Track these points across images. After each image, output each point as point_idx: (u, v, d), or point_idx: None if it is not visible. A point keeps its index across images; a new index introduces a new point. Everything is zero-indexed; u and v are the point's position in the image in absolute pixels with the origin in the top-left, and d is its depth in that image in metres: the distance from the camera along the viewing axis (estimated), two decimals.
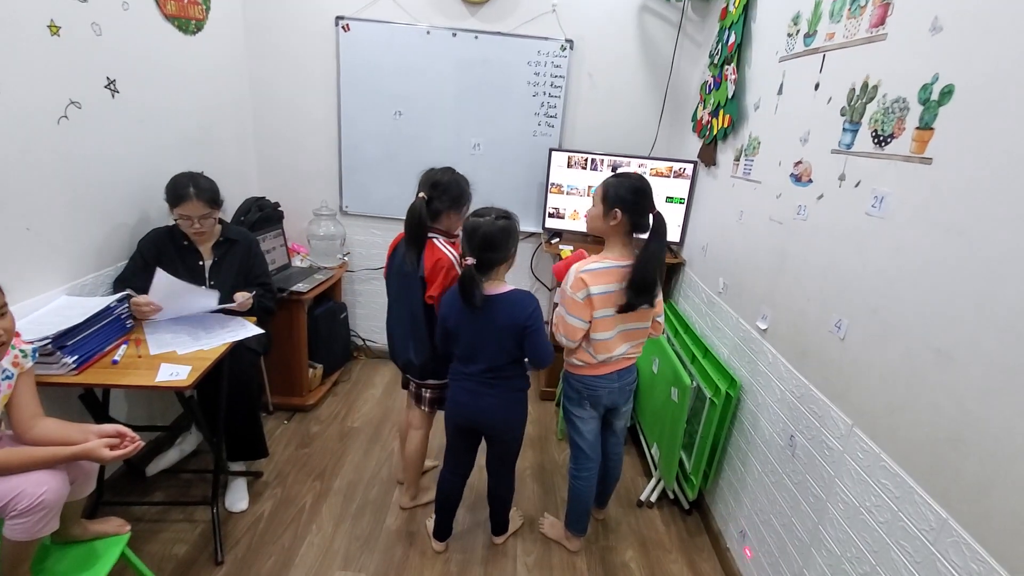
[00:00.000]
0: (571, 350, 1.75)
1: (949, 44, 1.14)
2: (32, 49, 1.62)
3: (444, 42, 2.78)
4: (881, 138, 1.34)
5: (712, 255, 2.39)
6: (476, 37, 2.77)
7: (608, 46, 2.78)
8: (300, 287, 2.59)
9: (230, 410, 1.99)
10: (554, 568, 1.96)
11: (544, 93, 2.84)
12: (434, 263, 1.74)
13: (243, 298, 1.97)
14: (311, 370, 2.79)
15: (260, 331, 1.93)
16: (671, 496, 2.30)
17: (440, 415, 1.95)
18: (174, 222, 1.99)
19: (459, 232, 1.75)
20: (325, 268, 2.90)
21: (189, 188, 1.91)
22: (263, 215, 2.71)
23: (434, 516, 1.98)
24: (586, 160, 2.75)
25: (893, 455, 1.21)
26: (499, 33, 2.76)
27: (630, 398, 1.88)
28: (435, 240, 1.78)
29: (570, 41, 2.76)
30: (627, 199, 1.63)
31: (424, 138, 2.95)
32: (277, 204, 2.85)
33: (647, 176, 2.66)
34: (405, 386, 2.11)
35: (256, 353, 2.23)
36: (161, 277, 1.78)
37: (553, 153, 2.76)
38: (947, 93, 1.14)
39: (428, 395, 1.99)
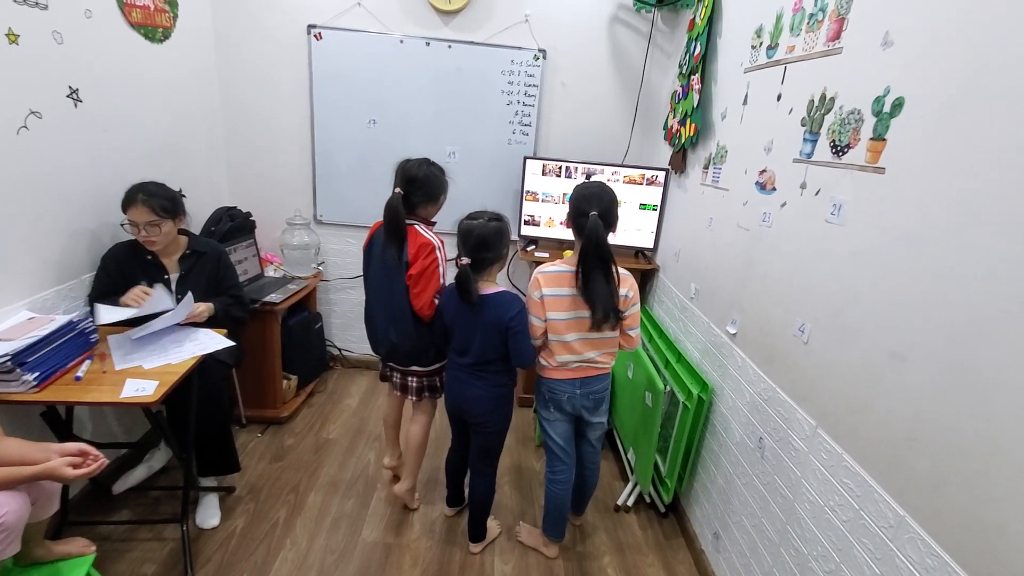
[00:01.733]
0: (539, 350, 1.79)
1: (900, 58, 1.19)
2: None
3: (418, 51, 2.79)
4: (838, 148, 1.38)
5: (684, 261, 2.43)
6: (450, 46, 2.78)
7: (580, 55, 2.82)
8: (273, 297, 2.55)
9: (200, 425, 1.95)
10: (532, 575, 1.96)
11: (518, 102, 2.87)
12: (418, 247, 1.82)
13: (198, 309, 1.91)
14: (285, 381, 2.75)
15: (230, 343, 1.90)
16: (647, 500, 2.32)
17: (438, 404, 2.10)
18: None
19: (436, 220, 1.96)
20: (299, 278, 2.87)
21: (137, 193, 1.86)
22: (235, 225, 2.67)
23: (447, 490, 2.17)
24: (560, 168, 2.77)
25: (854, 455, 1.25)
26: (473, 43, 2.78)
27: (599, 408, 1.87)
28: (416, 227, 1.86)
29: (543, 51, 2.79)
30: (571, 205, 1.70)
31: (399, 146, 2.94)
32: (249, 214, 2.81)
33: (619, 184, 2.72)
34: (385, 378, 2.13)
35: (227, 365, 2.19)
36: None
37: (528, 161, 2.78)
38: (898, 105, 1.18)
39: (414, 383, 2.03)
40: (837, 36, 1.42)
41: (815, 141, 1.49)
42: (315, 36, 2.76)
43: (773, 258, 1.67)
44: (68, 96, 1.88)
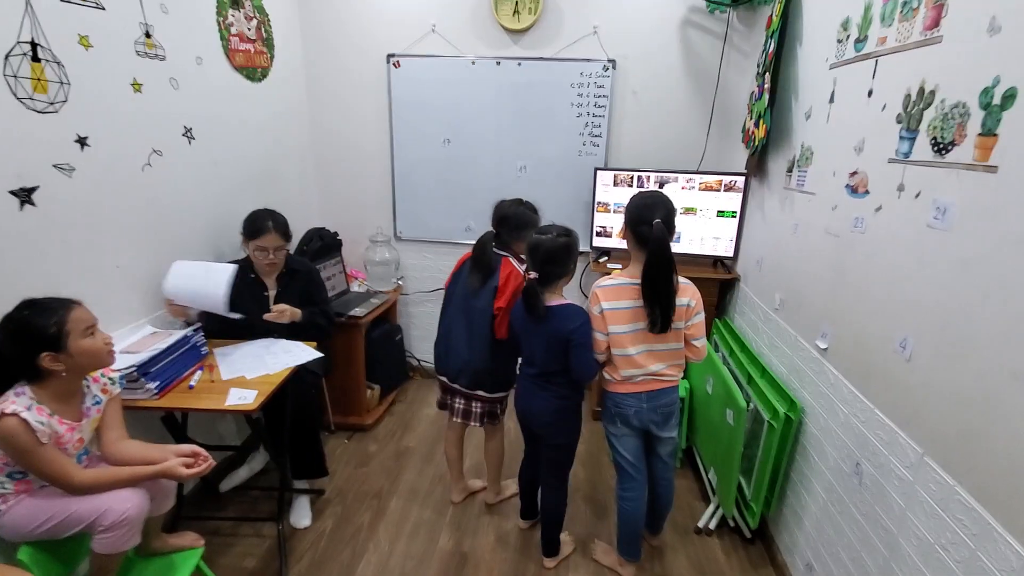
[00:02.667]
0: (603, 364, 1.78)
1: (1009, 44, 1.07)
2: (119, 106, 1.83)
3: (489, 71, 2.87)
4: (941, 146, 1.26)
5: (767, 270, 2.30)
6: (519, 64, 2.83)
7: (651, 63, 2.77)
8: (357, 311, 2.71)
9: (293, 430, 2.10)
10: None
11: (588, 113, 2.86)
12: (508, 275, 1.92)
13: (281, 308, 2.08)
14: (369, 391, 2.90)
15: (319, 355, 2.04)
16: (731, 524, 2.19)
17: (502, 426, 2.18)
18: (246, 255, 2.15)
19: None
20: (381, 292, 3.02)
21: (268, 222, 2.09)
22: (324, 244, 2.88)
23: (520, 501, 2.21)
24: (632, 178, 2.73)
25: (969, 488, 1.11)
26: (542, 58, 2.81)
27: (668, 423, 1.81)
28: (510, 258, 1.97)
29: (612, 61, 2.77)
30: (629, 215, 1.68)
31: (472, 163, 3.03)
32: (336, 233, 3.02)
33: (695, 191, 2.63)
34: (443, 406, 2.18)
35: (317, 375, 2.35)
36: (178, 266, 1.98)
37: (599, 172, 2.76)
38: (1010, 97, 1.06)
39: (478, 408, 2.07)
40: (936, 24, 1.30)
41: (913, 139, 1.36)
42: (394, 64, 2.92)
43: (868, 267, 1.54)
44: (183, 135, 2.13)
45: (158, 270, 2.03)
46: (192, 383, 1.82)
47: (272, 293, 2.21)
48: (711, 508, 2.25)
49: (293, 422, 2.09)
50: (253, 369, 1.91)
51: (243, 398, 1.75)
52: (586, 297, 1.79)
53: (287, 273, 2.24)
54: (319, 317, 2.27)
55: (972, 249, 1.15)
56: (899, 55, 1.45)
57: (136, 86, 1.90)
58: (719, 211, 2.64)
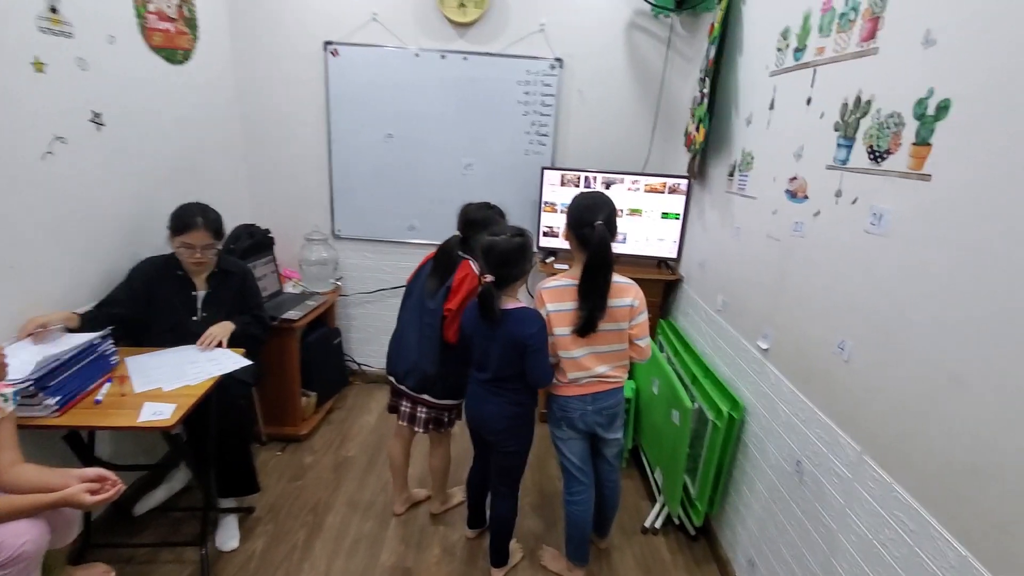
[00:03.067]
0: (554, 368, 1.75)
1: (943, 57, 1.11)
2: (16, 87, 1.61)
3: (433, 64, 2.77)
4: (877, 154, 1.30)
5: (710, 272, 2.34)
6: (465, 58, 2.76)
7: (598, 63, 2.77)
8: (292, 314, 2.54)
9: (220, 445, 1.94)
10: None
11: (535, 112, 2.83)
12: (463, 277, 1.84)
13: (211, 335, 1.94)
14: (304, 398, 2.73)
15: (248, 362, 1.88)
16: (676, 522, 2.22)
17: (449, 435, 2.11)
18: (173, 251, 1.96)
19: None
20: (318, 293, 2.86)
21: (197, 217, 1.92)
22: (254, 242, 2.68)
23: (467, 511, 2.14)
24: (579, 178, 2.72)
25: (907, 486, 1.15)
26: (488, 53, 2.75)
27: (613, 424, 1.81)
28: (470, 261, 1.89)
29: (559, 59, 2.75)
30: (571, 216, 1.68)
31: (416, 160, 2.92)
32: (268, 230, 2.82)
33: (640, 192, 2.65)
34: (393, 409, 2.08)
35: (247, 384, 2.18)
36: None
37: (546, 171, 2.73)
38: (944, 107, 1.10)
39: (423, 414, 1.99)
40: (872, 36, 1.34)
41: (850, 147, 1.41)
42: (331, 52, 2.76)
43: (808, 270, 1.58)
44: (91, 120, 1.90)
45: (60, 270, 1.80)
46: (99, 397, 1.63)
47: (201, 294, 2.03)
48: (657, 507, 2.27)
49: (219, 436, 1.92)
50: (171, 380, 1.73)
51: (159, 413, 1.58)
52: (532, 298, 1.76)
53: (219, 274, 2.07)
54: (254, 327, 2.11)
55: (908, 254, 1.19)
56: (837, 65, 1.49)
57: (38, 65, 1.67)
58: (663, 213, 2.68)
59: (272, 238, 2.84)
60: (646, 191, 2.66)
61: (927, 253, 1.14)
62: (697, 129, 2.33)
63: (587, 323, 1.62)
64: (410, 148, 2.90)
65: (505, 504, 1.89)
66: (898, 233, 1.23)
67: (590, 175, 2.71)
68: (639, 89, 2.81)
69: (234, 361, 1.87)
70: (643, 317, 1.72)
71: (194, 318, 2.00)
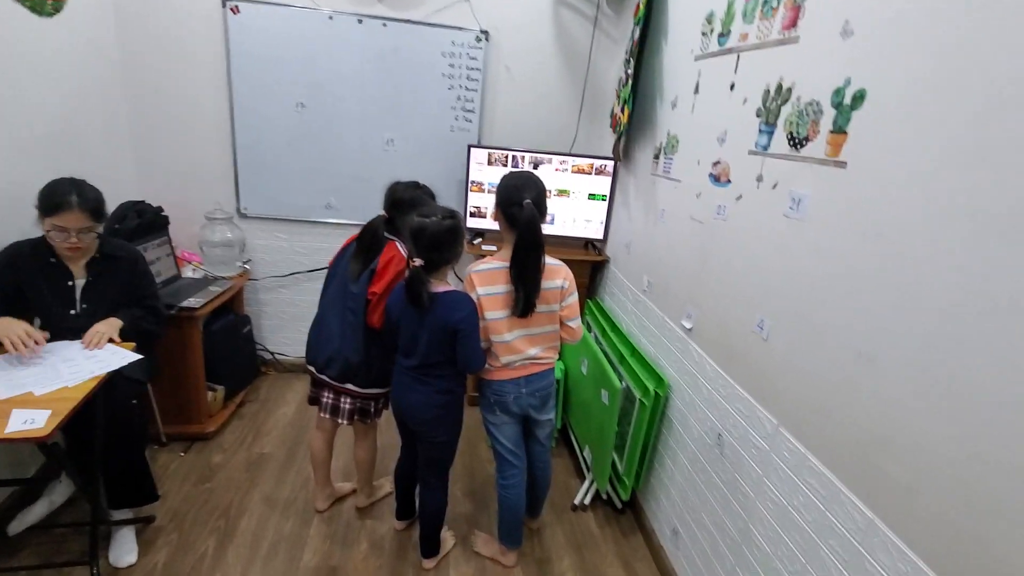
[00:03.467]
0: (486, 353, 1.71)
1: (860, 48, 1.16)
2: None
3: (349, 29, 2.56)
4: (796, 140, 1.35)
5: (636, 253, 2.39)
6: (385, 24, 2.58)
7: (525, 39, 2.70)
8: (192, 302, 2.29)
9: (108, 452, 1.72)
10: None
11: (461, 86, 2.71)
12: (389, 259, 1.74)
13: (96, 334, 1.70)
14: (210, 393, 2.50)
15: (137, 356, 1.67)
16: (604, 497, 2.28)
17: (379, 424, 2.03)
18: (43, 234, 1.67)
19: None
20: (222, 278, 2.60)
21: (71, 196, 1.62)
22: (143, 221, 2.37)
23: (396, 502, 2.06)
24: (506, 157, 2.65)
25: (819, 455, 1.23)
26: (410, 21, 2.58)
27: (546, 406, 1.81)
28: (396, 243, 1.79)
29: (485, 32, 2.64)
30: (500, 196, 1.64)
31: (332, 133, 2.72)
32: (160, 208, 2.51)
33: (567, 173, 2.64)
34: (314, 401, 1.95)
35: (139, 383, 1.94)
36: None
37: (472, 150, 2.64)
38: (860, 97, 1.15)
39: (347, 405, 1.88)
40: (793, 24, 1.38)
41: (771, 133, 1.45)
42: (231, 9, 2.47)
43: (729, 252, 1.64)
44: None
45: None
46: None
47: (80, 283, 1.76)
48: (586, 484, 2.32)
49: (107, 441, 1.69)
50: (44, 383, 1.49)
51: (30, 421, 1.36)
52: (461, 280, 1.70)
53: (102, 259, 1.79)
54: (146, 321, 1.87)
55: (823, 238, 1.25)
56: (759, 52, 1.53)
57: None
58: (590, 194, 2.69)
59: (166, 217, 2.54)
60: (573, 172, 2.66)
61: (840, 237, 1.20)
62: (622, 111, 2.34)
63: (526, 305, 1.59)
64: (325, 120, 2.69)
65: (435, 495, 1.83)
66: (814, 217, 1.29)
67: (518, 154, 2.65)
68: (566, 68, 2.78)
69: (121, 357, 1.65)
70: (573, 298, 1.71)
71: (72, 312, 1.74)
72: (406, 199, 1.79)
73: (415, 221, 1.55)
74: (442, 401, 1.69)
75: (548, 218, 2.68)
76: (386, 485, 2.22)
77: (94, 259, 1.79)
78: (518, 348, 1.67)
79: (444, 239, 1.55)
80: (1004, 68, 0.86)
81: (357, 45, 2.59)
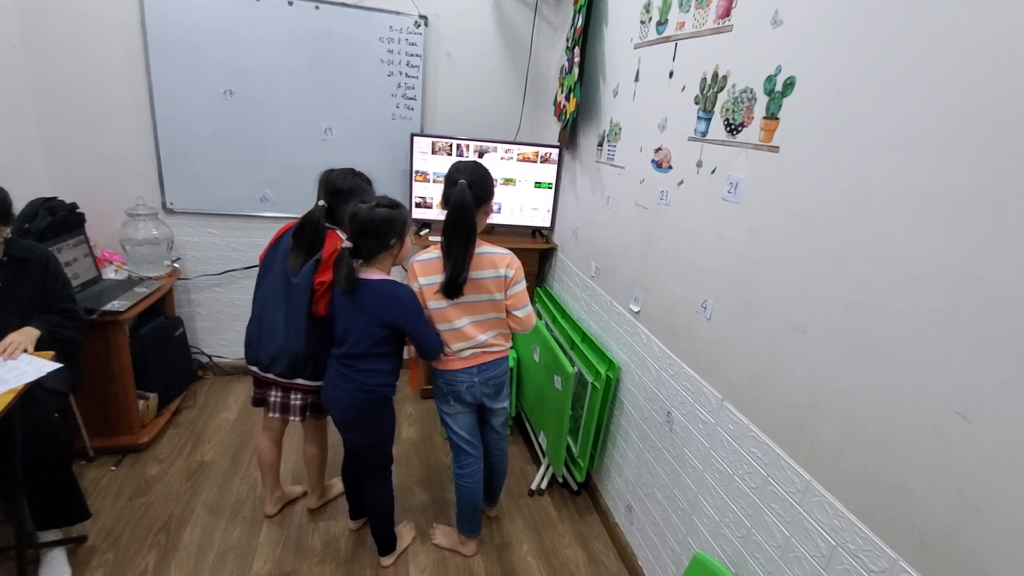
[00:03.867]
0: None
1: (790, 36, 1.21)
2: None
3: (278, 10, 2.43)
4: (733, 127, 1.40)
5: (583, 239, 2.43)
6: (317, 7, 2.46)
7: (465, 25, 2.66)
8: (115, 305, 2.13)
9: (31, 470, 1.58)
10: None
11: (401, 73, 2.64)
12: (334, 249, 1.67)
13: (11, 343, 1.56)
14: (142, 402, 2.34)
15: (56, 366, 1.54)
16: (560, 480, 2.33)
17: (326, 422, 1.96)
18: None
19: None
20: (149, 279, 2.43)
21: None
22: (56, 220, 2.17)
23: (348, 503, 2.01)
24: (451, 146, 2.62)
25: (760, 425, 1.30)
26: (344, 4, 2.49)
27: (500, 394, 1.80)
28: (337, 231, 1.74)
29: (424, 17, 2.58)
30: (444, 182, 1.63)
31: (264, 121, 2.58)
32: (75, 205, 2.31)
33: (513, 161, 2.63)
34: (259, 402, 1.88)
35: (60, 394, 1.80)
36: None
37: (415, 138, 2.59)
38: (790, 84, 1.21)
39: (297, 401, 1.83)
40: (727, 13, 1.43)
41: (709, 119, 1.51)
42: None
43: (673, 236, 1.69)
44: None
45: None
46: None
47: None
48: (542, 469, 2.36)
49: (28, 459, 1.56)
50: None
51: None
52: (405, 271, 1.68)
53: (10, 263, 1.64)
54: (64, 327, 1.72)
55: (759, 220, 1.32)
56: (696, 40, 1.58)
57: None
58: (536, 182, 2.70)
59: (81, 214, 2.33)
60: (519, 160, 2.66)
61: (773, 218, 1.26)
62: (568, 98, 2.36)
63: (448, 283, 1.57)
64: (256, 108, 2.55)
65: (376, 495, 1.79)
66: (750, 200, 1.35)
67: (462, 143, 2.62)
68: (508, 55, 2.76)
69: (37, 367, 1.52)
70: (519, 287, 1.67)
71: None
72: (344, 188, 1.74)
73: (352, 206, 1.53)
74: (360, 400, 1.62)
75: (494, 207, 2.68)
76: (338, 484, 2.16)
77: (1, 263, 1.62)
78: (468, 335, 1.66)
79: (374, 227, 1.52)
80: (922, 57, 0.93)
81: (287, 28, 2.47)
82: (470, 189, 1.54)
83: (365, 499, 1.82)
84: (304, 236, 1.70)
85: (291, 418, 1.84)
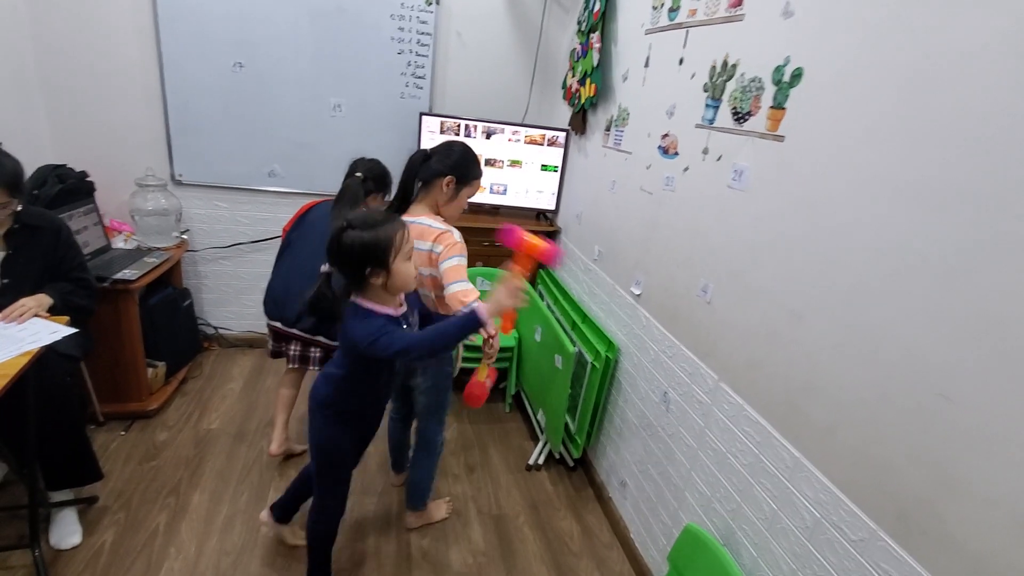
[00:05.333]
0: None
1: (800, 29, 1.24)
2: None
3: None
4: (740, 115, 1.43)
5: (587, 223, 2.46)
6: None
7: (477, 4, 2.65)
8: (126, 274, 2.16)
9: (44, 431, 1.63)
10: (450, 543, 1.95)
11: (411, 51, 2.64)
12: None
13: (21, 307, 1.58)
14: (151, 370, 2.39)
15: (72, 330, 1.58)
16: (557, 456, 2.40)
17: None
18: None
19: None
20: (158, 249, 2.46)
21: None
22: (65, 187, 2.20)
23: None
24: (459, 126, 2.63)
25: (755, 405, 1.36)
26: None
27: (411, 376, 1.75)
28: (379, 197, 1.99)
29: None
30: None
31: (273, 95, 2.59)
32: (84, 173, 2.33)
33: (520, 144, 2.66)
34: (278, 354, 2.09)
35: (73, 359, 1.84)
36: None
37: (424, 117, 2.60)
38: (797, 76, 1.24)
39: (317, 354, 2.05)
40: (739, 3, 1.45)
41: (717, 107, 1.54)
42: None
43: (676, 221, 1.73)
44: None
45: None
46: None
47: None
48: (539, 446, 2.42)
49: (43, 421, 1.61)
50: None
51: None
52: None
53: (22, 230, 1.66)
54: (77, 296, 1.76)
55: (762, 207, 1.36)
56: (707, 28, 1.60)
57: None
58: (543, 165, 2.73)
59: (91, 183, 2.36)
60: (526, 143, 2.68)
61: (776, 206, 1.30)
62: (583, 83, 2.37)
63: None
64: (266, 82, 2.56)
65: (315, 512, 1.55)
66: (754, 188, 1.39)
67: (471, 123, 2.64)
68: (518, 36, 2.76)
69: (52, 331, 1.56)
70: (446, 264, 1.48)
71: None
72: (380, 172, 1.99)
73: (335, 225, 1.31)
74: (319, 394, 1.42)
75: (499, 188, 2.71)
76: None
77: (12, 230, 1.65)
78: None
79: (343, 253, 1.24)
80: (925, 57, 0.96)
81: (298, 3, 2.46)
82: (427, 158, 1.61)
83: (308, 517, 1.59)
84: (344, 199, 1.85)
85: (310, 368, 2.03)
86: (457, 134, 2.63)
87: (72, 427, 1.76)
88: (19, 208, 1.63)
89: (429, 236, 1.54)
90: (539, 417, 2.47)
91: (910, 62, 0.98)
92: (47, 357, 1.54)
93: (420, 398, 1.77)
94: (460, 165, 1.60)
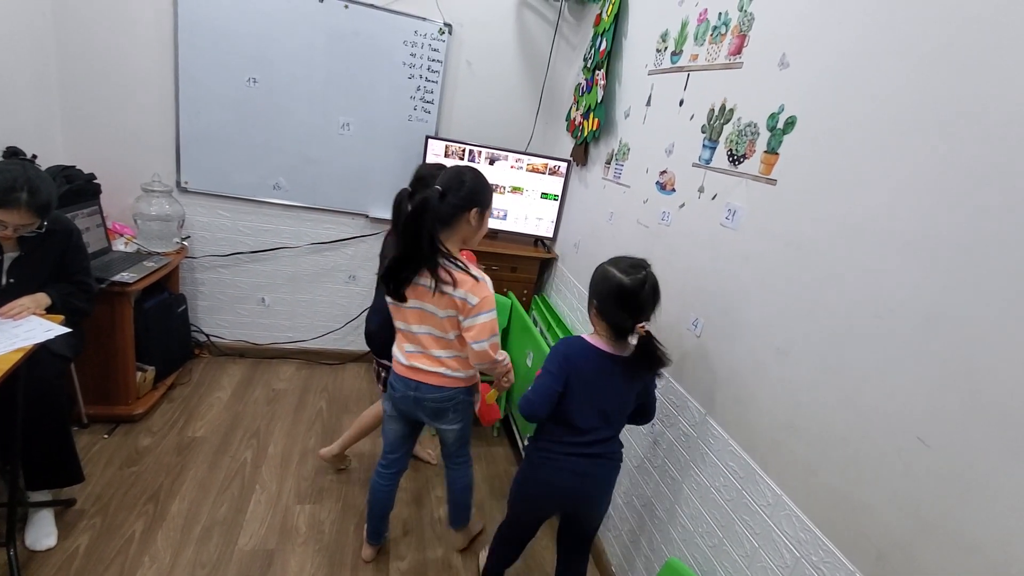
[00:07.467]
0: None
1: (794, 79, 1.30)
2: None
3: (309, 7, 2.51)
4: (735, 157, 1.49)
5: (584, 252, 2.50)
6: (347, 6, 2.54)
7: (487, 36, 2.75)
8: (124, 277, 2.18)
9: (30, 430, 1.62)
10: (428, 571, 1.92)
11: (421, 76, 2.72)
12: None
13: (20, 305, 1.60)
14: (139, 373, 2.38)
15: (65, 330, 1.59)
16: None
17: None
18: None
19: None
20: (158, 254, 2.48)
21: (22, 193, 1.50)
22: (72, 188, 2.23)
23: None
24: (464, 151, 2.69)
25: (739, 441, 1.37)
26: (373, 6, 2.57)
27: (441, 418, 1.65)
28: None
29: (448, 25, 2.67)
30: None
31: (284, 111, 2.65)
32: (92, 176, 2.36)
33: (522, 171, 2.72)
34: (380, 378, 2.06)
35: (63, 358, 1.84)
36: None
37: (430, 140, 2.66)
38: (791, 123, 1.29)
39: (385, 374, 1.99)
40: (738, 51, 1.52)
41: (714, 148, 1.59)
42: None
43: (671, 256, 1.77)
44: None
45: None
46: None
47: (10, 256, 1.66)
48: None
49: (29, 420, 1.60)
50: None
51: None
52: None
53: (34, 235, 1.68)
54: (77, 298, 1.78)
55: (752, 247, 1.40)
56: (707, 73, 1.66)
57: None
58: (543, 193, 2.78)
59: (98, 185, 2.39)
60: (528, 170, 2.74)
61: (766, 246, 1.34)
62: (586, 117, 2.44)
63: (387, 279, 1.49)
64: (278, 98, 2.62)
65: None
66: (746, 228, 1.43)
67: (475, 149, 2.70)
68: (526, 68, 2.85)
69: (47, 329, 1.56)
70: (482, 319, 1.45)
71: None
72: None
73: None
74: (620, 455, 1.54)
75: (499, 214, 2.75)
76: (351, 461, 2.35)
77: (27, 234, 1.68)
78: (420, 342, 1.55)
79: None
80: (914, 116, 1.01)
81: (316, 24, 2.54)
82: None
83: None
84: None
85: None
86: (462, 158, 2.69)
87: (58, 428, 1.75)
88: (42, 229, 1.65)
89: (467, 285, 1.44)
90: (526, 443, 2.46)
91: (897, 117, 1.03)
92: (39, 355, 1.55)
93: (450, 434, 1.74)
94: (478, 192, 1.49)
